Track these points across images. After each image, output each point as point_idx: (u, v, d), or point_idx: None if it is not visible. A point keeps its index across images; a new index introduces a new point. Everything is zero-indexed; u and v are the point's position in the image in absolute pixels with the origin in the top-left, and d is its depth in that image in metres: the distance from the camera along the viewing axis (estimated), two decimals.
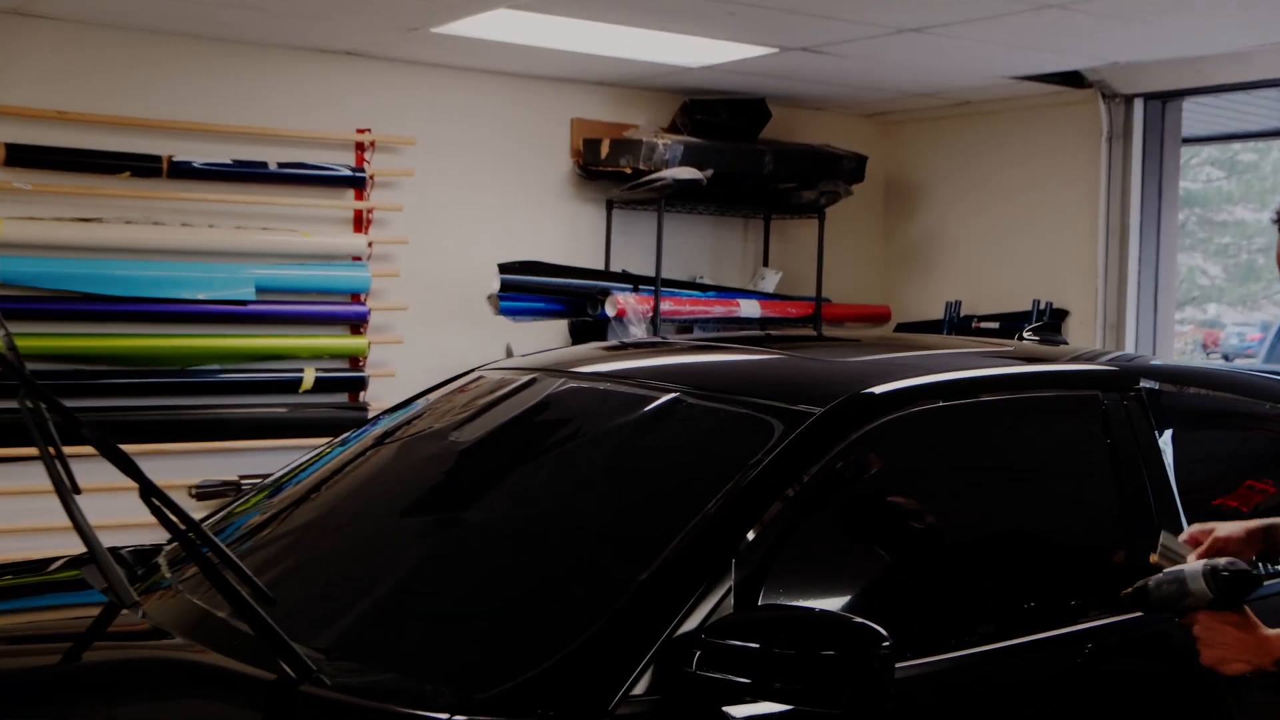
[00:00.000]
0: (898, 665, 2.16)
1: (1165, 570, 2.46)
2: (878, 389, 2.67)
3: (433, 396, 3.30)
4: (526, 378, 3.10)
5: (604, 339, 6.74)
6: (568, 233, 7.24)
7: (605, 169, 7.01)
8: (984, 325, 7.54)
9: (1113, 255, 7.23)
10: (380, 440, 3.15)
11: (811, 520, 2.42)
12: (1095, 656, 2.57)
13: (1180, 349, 8.91)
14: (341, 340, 6.45)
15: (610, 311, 6.81)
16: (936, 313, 7.88)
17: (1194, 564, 2.43)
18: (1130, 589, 2.49)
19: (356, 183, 6.49)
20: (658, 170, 6.85)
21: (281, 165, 6.26)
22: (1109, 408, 2.89)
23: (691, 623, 2.19)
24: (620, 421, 2.78)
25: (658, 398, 2.78)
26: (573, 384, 3.00)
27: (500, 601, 2.39)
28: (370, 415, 6.17)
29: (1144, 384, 2.98)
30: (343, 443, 3.27)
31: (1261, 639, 2.41)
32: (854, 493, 2.53)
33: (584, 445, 2.79)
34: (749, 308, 7.31)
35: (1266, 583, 2.76)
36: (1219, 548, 2.57)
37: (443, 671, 2.20)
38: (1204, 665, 2.39)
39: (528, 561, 2.50)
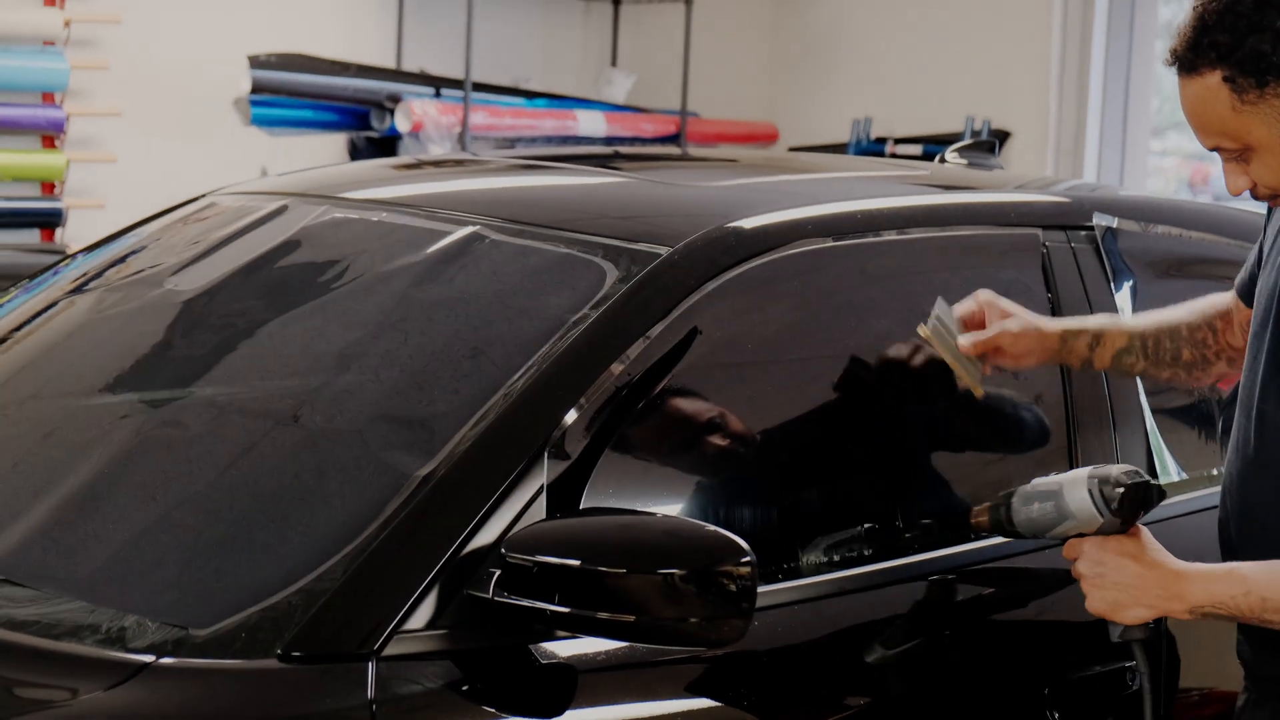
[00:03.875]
0: (762, 589, 2.17)
1: (1034, 484, 2.37)
2: (746, 223, 2.69)
3: (145, 231, 3.27)
4: (275, 205, 3.08)
5: None
6: (345, 14, 7.17)
7: None
8: (901, 150, 7.62)
9: (1070, 60, 7.31)
10: (71, 292, 3.10)
11: (654, 398, 2.43)
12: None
13: (1158, 189, 9.11)
14: (28, 156, 6.35)
15: (403, 125, 6.80)
16: (840, 134, 7.95)
17: (1074, 474, 2.34)
18: (983, 508, 2.43)
19: None
20: None
21: None
22: (1052, 250, 2.94)
23: (489, 534, 2.19)
24: (398, 264, 2.77)
25: (450, 232, 2.78)
26: (337, 213, 2.99)
27: (231, 506, 2.38)
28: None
29: (1099, 220, 3.03)
30: (17, 294, 3.19)
31: (1170, 575, 2.29)
32: (712, 361, 2.54)
33: (348, 296, 2.77)
34: (590, 123, 7.35)
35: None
36: (995, 346, 2.50)
37: (148, 601, 2.19)
38: (1092, 613, 2.32)
39: (269, 453, 2.49)
